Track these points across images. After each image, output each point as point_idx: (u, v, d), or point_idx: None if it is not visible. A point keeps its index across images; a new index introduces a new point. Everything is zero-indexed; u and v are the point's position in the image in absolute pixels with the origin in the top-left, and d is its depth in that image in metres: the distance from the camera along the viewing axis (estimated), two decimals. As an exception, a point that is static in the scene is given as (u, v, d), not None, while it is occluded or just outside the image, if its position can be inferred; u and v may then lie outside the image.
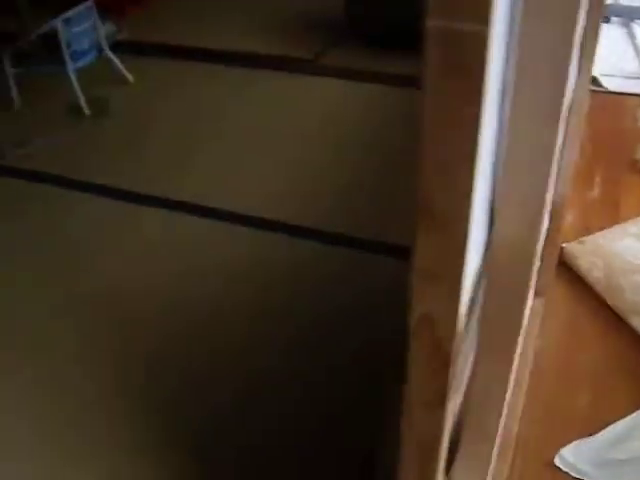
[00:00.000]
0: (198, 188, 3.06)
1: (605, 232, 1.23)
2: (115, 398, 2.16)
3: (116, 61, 3.97)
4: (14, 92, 3.84)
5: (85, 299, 2.55)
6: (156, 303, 2.50)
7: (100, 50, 3.90)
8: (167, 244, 2.77)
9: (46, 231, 2.91)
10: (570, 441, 0.91)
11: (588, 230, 1.24)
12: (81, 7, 3.70)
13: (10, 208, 3.07)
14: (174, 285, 2.57)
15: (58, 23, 3.57)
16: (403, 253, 2.52)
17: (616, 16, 2.00)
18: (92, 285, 2.60)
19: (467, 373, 0.59)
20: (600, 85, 1.70)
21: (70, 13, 3.63)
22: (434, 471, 0.52)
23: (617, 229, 1.24)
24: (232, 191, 3.05)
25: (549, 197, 0.51)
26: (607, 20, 1.95)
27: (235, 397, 2.13)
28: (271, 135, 3.44)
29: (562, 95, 0.44)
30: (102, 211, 3.00)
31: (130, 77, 4.01)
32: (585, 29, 0.75)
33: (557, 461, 0.90)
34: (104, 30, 3.95)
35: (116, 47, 4.01)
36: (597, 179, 1.39)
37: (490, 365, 0.59)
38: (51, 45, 3.82)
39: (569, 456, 0.90)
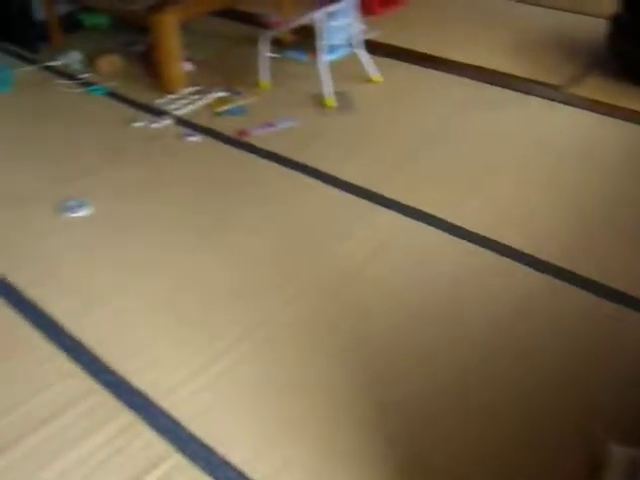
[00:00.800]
0: (429, 198, 3.04)
1: None
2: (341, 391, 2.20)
3: (365, 59, 4.04)
4: (264, 75, 4.02)
5: (313, 284, 2.61)
6: (389, 300, 2.51)
7: (352, 47, 3.99)
8: (396, 246, 2.77)
9: (280, 212, 3.02)
10: None
11: None
12: (343, 3, 3.80)
13: (246, 185, 3.22)
14: (403, 285, 2.57)
15: (319, 16, 3.68)
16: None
17: None
18: (320, 271, 2.67)
19: None
20: None
21: (332, 8, 3.73)
22: None
23: None
24: (467, 208, 2.99)
25: None
26: None
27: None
28: (513, 159, 3.35)
29: None
30: (333, 201, 3.05)
31: (376, 76, 4.07)
32: None
33: None
34: (357, 28, 4.03)
35: (365, 46, 4.08)
36: None
37: None
38: (307, 35, 3.97)
39: None
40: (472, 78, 4.11)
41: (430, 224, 2.89)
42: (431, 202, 3.01)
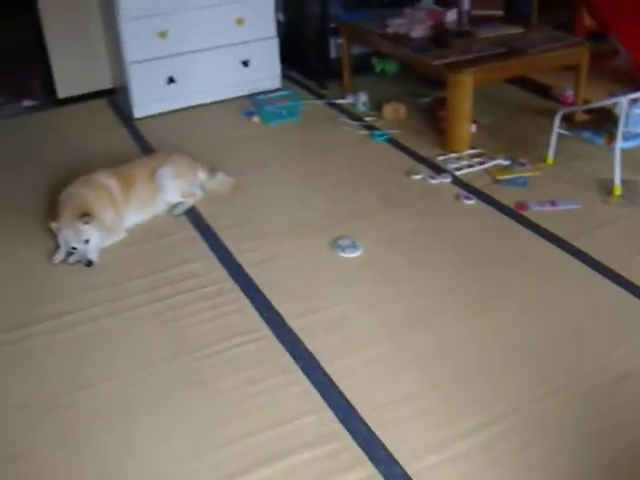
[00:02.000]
0: None
1: None
2: None
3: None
4: (551, 150, 3.90)
5: (569, 386, 2.46)
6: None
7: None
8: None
9: (548, 296, 2.89)
10: None
11: None
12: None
13: (516, 260, 3.14)
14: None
15: (624, 100, 3.52)
16: None
17: None
18: (580, 373, 2.51)
19: None
20: None
21: (638, 94, 3.56)
22: None
23: None
24: None
25: None
26: None
27: None
28: None
29: None
30: (610, 298, 2.85)
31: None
32: None
33: None
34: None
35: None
36: None
37: None
38: (604, 117, 3.82)
39: None
40: None
41: None
42: None
